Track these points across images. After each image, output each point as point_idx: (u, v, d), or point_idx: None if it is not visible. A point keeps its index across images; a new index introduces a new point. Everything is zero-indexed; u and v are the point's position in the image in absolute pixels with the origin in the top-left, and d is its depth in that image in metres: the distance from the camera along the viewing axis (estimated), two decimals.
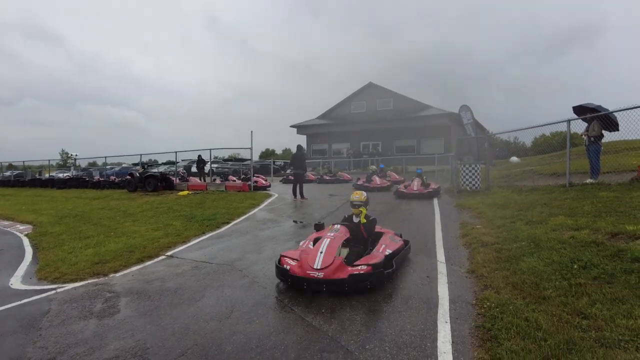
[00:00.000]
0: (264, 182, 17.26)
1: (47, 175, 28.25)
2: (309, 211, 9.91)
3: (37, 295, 4.52)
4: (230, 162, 29.80)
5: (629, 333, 2.59)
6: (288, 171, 28.39)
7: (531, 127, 11.42)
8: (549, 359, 2.46)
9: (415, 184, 11.46)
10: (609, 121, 7.99)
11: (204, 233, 7.68)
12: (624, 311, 2.87)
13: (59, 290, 4.68)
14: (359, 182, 14.78)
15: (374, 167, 16.66)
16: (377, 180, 14.30)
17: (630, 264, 3.63)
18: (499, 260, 4.57)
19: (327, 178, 19.33)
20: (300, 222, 8.38)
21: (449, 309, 3.44)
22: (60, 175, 28.15)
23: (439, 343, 2.86)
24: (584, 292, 3.31)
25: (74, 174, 27.14)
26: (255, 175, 18.66)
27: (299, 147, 13.25)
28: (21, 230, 9.26)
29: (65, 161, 53.11)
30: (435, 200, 10.44)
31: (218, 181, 17.80)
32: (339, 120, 33.49)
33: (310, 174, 21.96)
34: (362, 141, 31.79)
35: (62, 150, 62.69)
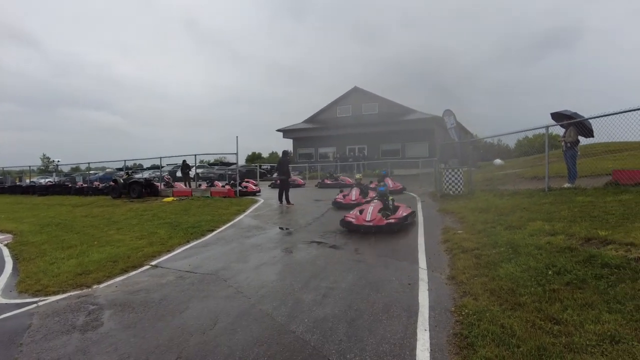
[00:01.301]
0: (254, 187, 17.02)
1: (28, 181, 27.71)
2: (295, 217, 9.96)
3: (17, 310, 4.47)
4: (216, 167, 29.68)
5: (596, 338, 2.71)
6: (274, 175, 28.42)
7: (513, 132, 11.87)
8: None
9: (370, 211, 7.74)
10: (584, 128, 8.26)
11: (188, 242, 7.67)
12: (592, 316, 3.01)
13: (40, 303, 4.64)
14: (338, 198, 11.41)
15: (359, 175, 13.36)
16: (352, 195, 11.28)
17: (600, 270, 3.79)
18: (479, 266, 4.69)
19: (329, 182, 19.04)
20: (286, 228, 8.42)
21: (429, 317, 3.53)
22: (42, 181, 27.66)
23: (418, 351, 2.95)
24: (557, 298, 3.44)
25: (56, 180, 26.68)
26: (246, 180, 18.57)
27: (285, 153, 13.35)
28: (1, 240, 9.09)
29: (47, 166, 52.18)
30: (419, 205, 10.60)
31: (204, 186, 17.71)
32: (325, 124, 33.63)
33: (298, 179, 21.91)
34: (348, 145, 31.97)
35: (44, 155, 61.68)
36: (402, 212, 7.90)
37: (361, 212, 7.95)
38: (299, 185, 20.07)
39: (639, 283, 3.36)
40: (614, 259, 3.91)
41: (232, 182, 17.35)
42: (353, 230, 7.51)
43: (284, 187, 12.48)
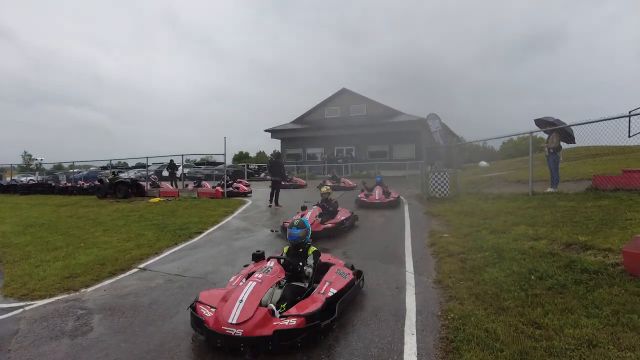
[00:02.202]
0: (245, 187, 16.77)
1: (8, 180, 27.09)
2: (283, 219, 9.97)
3: (3, 315, 4.41)
4: (202, 166, 29.51)
5: (574, 342, 2.84)
6: (262, 175, 28.38)
7: (499, 137, 12.26)
8: None
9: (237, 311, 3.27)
10: (566, 134, 8.51)
11: (176, 244, 7.64)
12: (572, 321, 3.13)
13: (27, 308, 4.59)
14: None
15: (326, 188, 9.33)
16: (308, 216, 7.73)
17: (579, 275, 3.94)
18: (464, 270, 4.81)
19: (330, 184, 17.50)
20: (275, 231, 8.45)
21: (416, 321, 3.62)
22: (24, 179, 27.09)
23: (405, 355, 3.03)
24: (538, 303, 3.56)
25: (39, 178, 26.16)
26: (238, 180, 18.42)
27: (277, 155, 13.44)
28: None
29: (28, 164, 51.10)
30: (406, 207, 10.73)
31: (191, 187, 17.57)
32: (313, 124, 33.73)
33: (300, 180, 21.43)
34: (336, 146, 32.13)
35: (25, 152, 60.40)
36: (336, 282, 3.99)
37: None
38: (300, 186, 19.76)
39: (615, 288, 3.52)
40: (592, 265, 4.08)
41: (223, 182, 16.99)
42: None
43: (275, 188, 12.54)
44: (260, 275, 3.67)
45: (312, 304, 3.45)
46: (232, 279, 4.24)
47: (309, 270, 4.22)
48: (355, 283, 4.25)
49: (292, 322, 3.20)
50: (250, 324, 3.15)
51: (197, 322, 3.40)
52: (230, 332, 3.13)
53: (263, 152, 59.31)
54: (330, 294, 3.72)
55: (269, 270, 3.77)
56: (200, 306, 3.52)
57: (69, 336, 3.72)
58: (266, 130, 34.99)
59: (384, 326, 3.58)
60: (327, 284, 3.90)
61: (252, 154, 64.20)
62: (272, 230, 8.53)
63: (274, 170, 12.84)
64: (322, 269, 4.32)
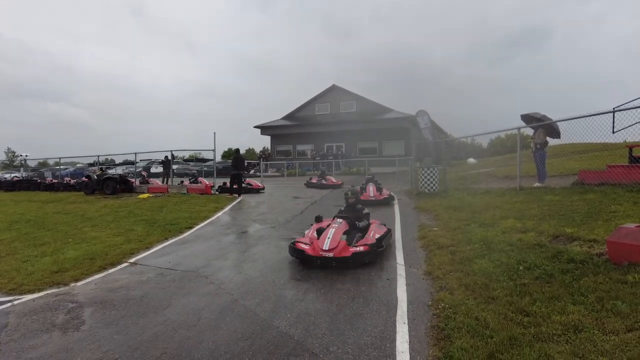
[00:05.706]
0: (259, 184, 16.24)
1: None
2: (274, 215, 9.99)
3: None
4: (191, 163, 29.31)
5: (561, 328, 2.92)
6: (252, 172, 28.30)
7: (487, 133, 12.38)
8: (493, 354, 2.73)
9: None
10: (552, 130, 8.67)
11: (166, 239, 7.60)
12: (558, 308, 3.22)
13: (15, 302, 4.53)
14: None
15: (350, 192, 6.62)
16: (339, 233, 5.49)
17: (566, 265, 4.04)
18: (454, 262, 4.89)
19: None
20: (266, 225, 8.45)
21: (407, 311, 3.68)
22: (7, 176, 26.58)
23: (397, 343, 3.09)
24: (527, 292, 3.64)
25: (23, 175, 25.69)
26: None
27: (237, 150, 14.68)
28: None
29: (12, 161, 50.15)
30: (396, 202, 10.82)
31: (186, 182, 17.51)
32: (303, 121, 33.71)
33: (331, 178, 17.92)
34: (326, 142, 32.17)
35: (8, 149, 59.22)
36: None
37: None
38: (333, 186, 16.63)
39: (600, 277, 3.61)
40: (578, 255, 4.18)
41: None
42: None
43: (237, 180, 13.73)
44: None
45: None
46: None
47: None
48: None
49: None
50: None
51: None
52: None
53: (252, 150, 58.97)
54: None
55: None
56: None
57: (60, 329, 3.69)
58: (256, 127, 34.90)
59: (376, 316, 3.62)
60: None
61: (242, 151, 63.85)
62: (260, 225, 8.50)
63: (237, 165, 13.79)
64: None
